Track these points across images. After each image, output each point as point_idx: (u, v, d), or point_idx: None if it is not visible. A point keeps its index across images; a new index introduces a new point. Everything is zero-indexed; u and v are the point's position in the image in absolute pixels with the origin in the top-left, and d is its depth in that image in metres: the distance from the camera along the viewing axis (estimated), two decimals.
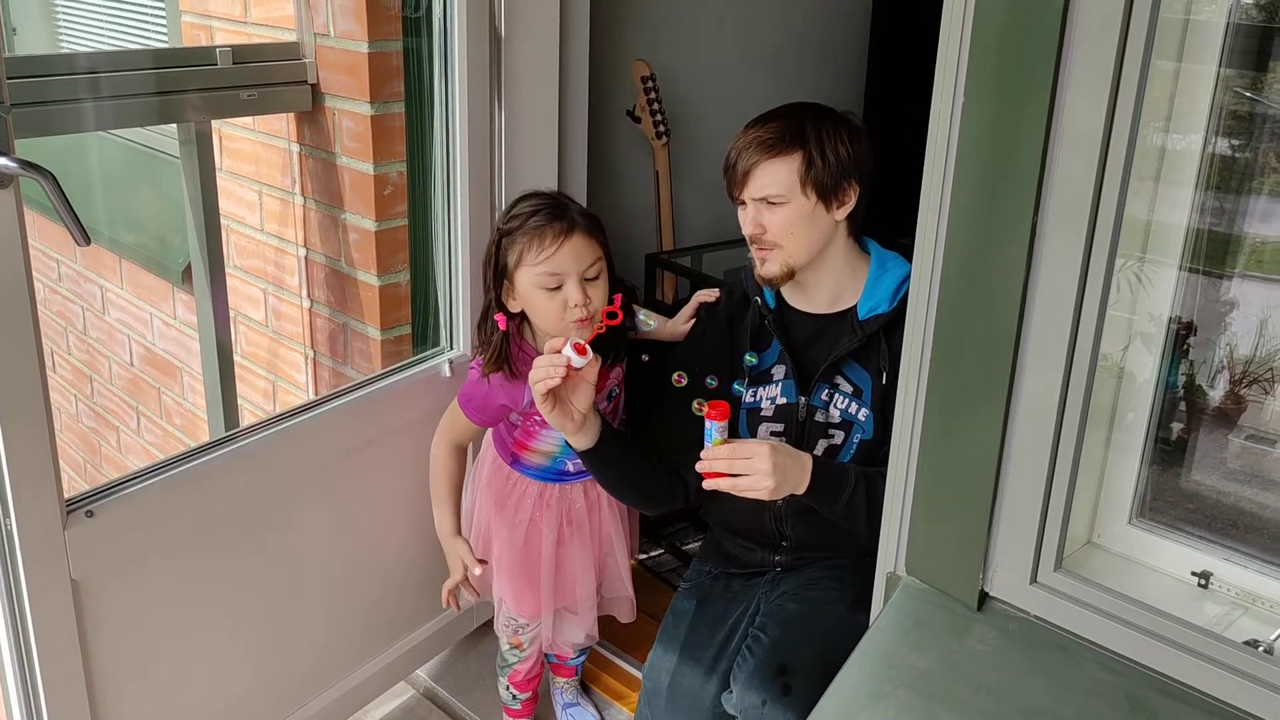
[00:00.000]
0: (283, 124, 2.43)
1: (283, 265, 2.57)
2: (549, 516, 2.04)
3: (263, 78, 2.29)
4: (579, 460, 1.95)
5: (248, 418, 2.72)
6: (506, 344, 1.88)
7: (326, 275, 2.44)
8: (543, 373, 1.68)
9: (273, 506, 1.94)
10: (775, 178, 1.73)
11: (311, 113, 2.34)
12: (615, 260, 1.92)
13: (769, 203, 1.74)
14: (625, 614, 2.20)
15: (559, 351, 1.67)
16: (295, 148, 2.42)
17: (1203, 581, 1.33)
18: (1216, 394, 1.39)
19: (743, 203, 1.78)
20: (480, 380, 1.93)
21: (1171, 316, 1.36)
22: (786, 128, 1.73)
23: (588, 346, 1.67)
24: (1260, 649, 1.20)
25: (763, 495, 1.66)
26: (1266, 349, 1.33)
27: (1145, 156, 1.22)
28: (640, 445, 1.88)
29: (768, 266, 1.79)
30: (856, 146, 1.74)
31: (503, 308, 1.87)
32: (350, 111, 2.24)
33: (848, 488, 1.72)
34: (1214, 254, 1.34)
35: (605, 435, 1.80)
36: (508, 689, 2.27)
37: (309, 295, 2.52)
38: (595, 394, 1.77)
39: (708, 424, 1.65)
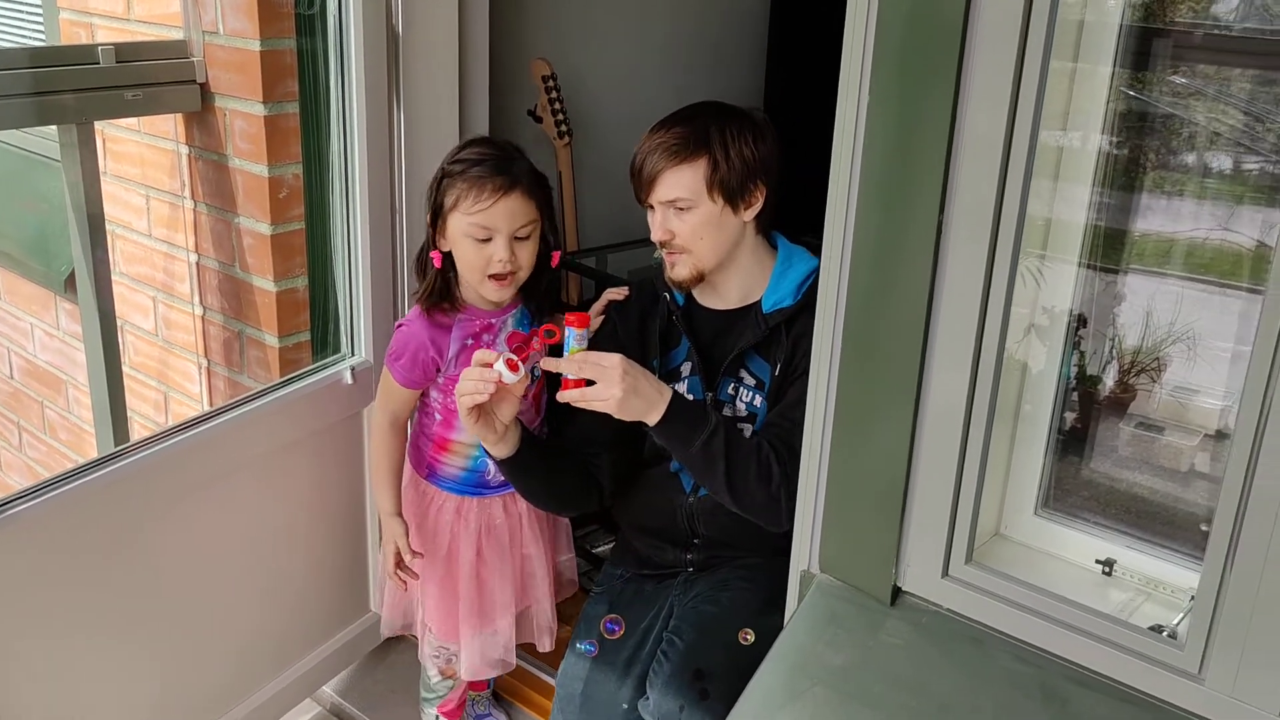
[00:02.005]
0: (170, 125, 2.36)
1: (173, 272, 2.49)
2: (467, 532, 1.99)
3: (148, 77, 2.21)
4: None
5: (139, 431, 2.63)
6: (442, 280, 1.87)
7: (220, 281, 2.37)
8: (471, 386, 1.64)
9: (167, 523, 1.86)
10: (681, 183, 1.72)
11: (201, 113, 2.27)
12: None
13: (676, 208, 1.74)
14: (545, 642, 2.12)
15: (490, 365, 1.64)
16: (184, 149, 2.35)
17: (1106, 569, 1.36)
18: (1109, 384, 1.43)
19: (651, 207, 1.78)
20: (404, 331, 1.90)
21: (1068, 310, 1.39)
22: (691, 132, 1.73)
23: (520, 364, 1.64)
24: (1165, 633, 1.23)
25: (610, 406, 1.62)
26: (1152, 339, 1.37)
27: (1043, 155, 1.24)
28: (554, 447, 1.86)
29: (677, 270, 1.79)
30: (762, 146, 1.75)
31: (435, 245, 1.87)
32: (242, 112, 2.18)
33: (706, 428, 1.68)
34: (1106, 249, 1.37)
35: (524, 443, 1.77)
36: (436, 719, 2.22)
37: (201, 302, 2.45)
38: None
39: (566, 330, 1.64)
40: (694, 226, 1.74)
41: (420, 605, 2.05)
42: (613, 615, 1.84)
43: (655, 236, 1.78)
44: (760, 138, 1.75)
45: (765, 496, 1.66)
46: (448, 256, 1.86)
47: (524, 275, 1.85)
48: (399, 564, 1.95)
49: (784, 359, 1.77)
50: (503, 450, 1.75)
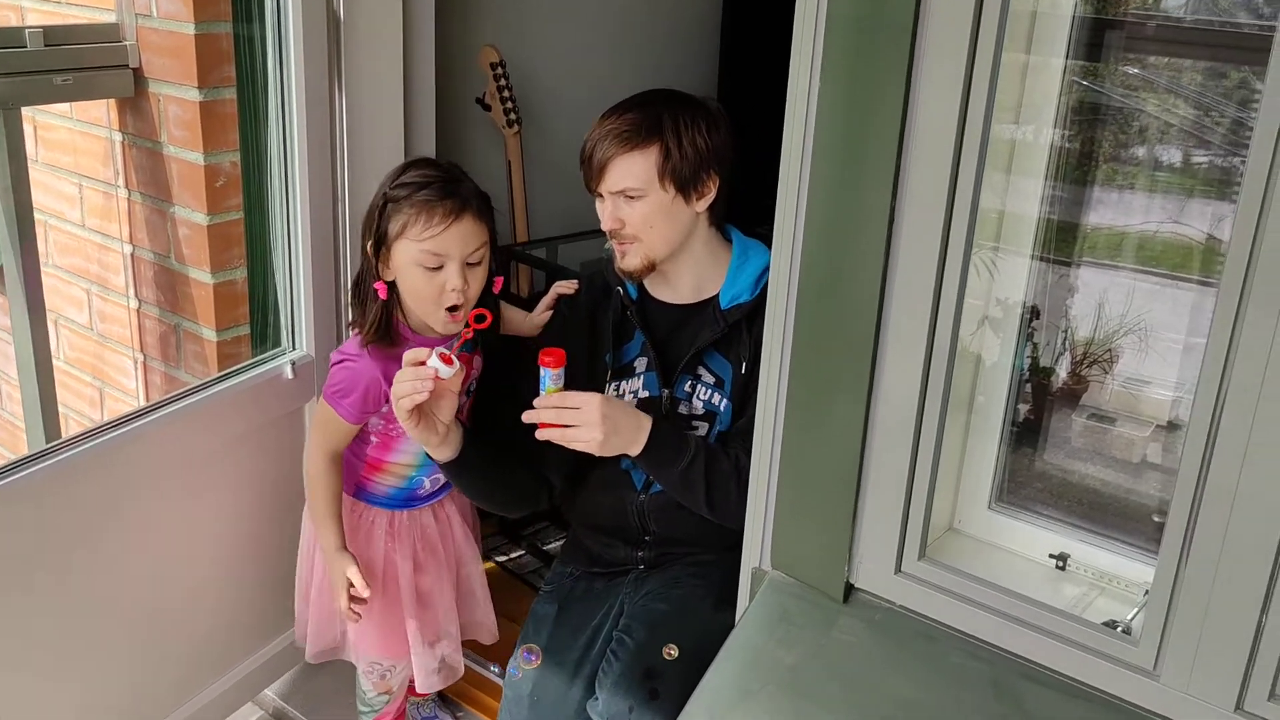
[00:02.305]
0: (103, 111, 2.29)
1: (107, 263, 2.42)
2: (402, 546, 1.94)
3: (79, 61, 2.14)
4: (437, 478, 1.86)
5: (73, 428, 2.56)
6: (387, 313, 1.77)
7: (156, 273, 2.31)
8: (408, 386, 1.59)
9: (102, 522, 1.81)
10: (632, 171, 1.69)
11: (135, 99, 2.20)
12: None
13: (627, 196, 1.71)
14: (486, 637, 2.12)
15: (423, 363, 1.58)
16: (118, 136, 2.28)
17: (1060, 564, 1.35)
18: (1062, 376, 1.42)
19: (601, 196, 1.74)
20: (351, 368, 1.80)
21: (1021, 302, 1.38)
22: (643, 119, 1.70)
23: (454, 355, 1.59)
24: (1119, 628, 1.22)
25: (592, 448, 1.64)
26: (1104, 331, 1.36)
27: (996, 147, 1.22)
28: (501, 446, 1.81)
29: (628, 260, 1.76)
30: (715, 136, 1.72)
31: (378, 275, 1.76)
32: (177, 98, 2.12)
33: (686, 456, 1.70)
34: (1059, 241, 1.37)
35: (468, 443, 1.73)
36: None
37: (137, 295, 2.38)
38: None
39: (542, 371, 1.62)
40: (644, 215, 1.71)
41: (348, 628, 1.99)
42: (530, 645, 1.81)
43: (605, 225, 1.75)
44: (714, 127, 1.73)
45: (745, 511, 1.65)
46: (392, 286, 1.77)
47: (472, 305, 1.75)
48: (352, 599, 1.84)
49: (749, 358, 1.74)
50: (446, 453, 1.71)
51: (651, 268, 1.76)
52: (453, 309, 1.73)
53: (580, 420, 1.62)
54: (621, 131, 1.69)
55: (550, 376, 1.62)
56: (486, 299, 1.83)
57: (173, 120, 2.14)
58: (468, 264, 1.72)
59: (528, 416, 1.64)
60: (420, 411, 1.63)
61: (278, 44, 1.96)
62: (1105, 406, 1.39)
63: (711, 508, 1.71)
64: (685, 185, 1.71)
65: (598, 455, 1.66)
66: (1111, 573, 1.33)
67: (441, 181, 1.72)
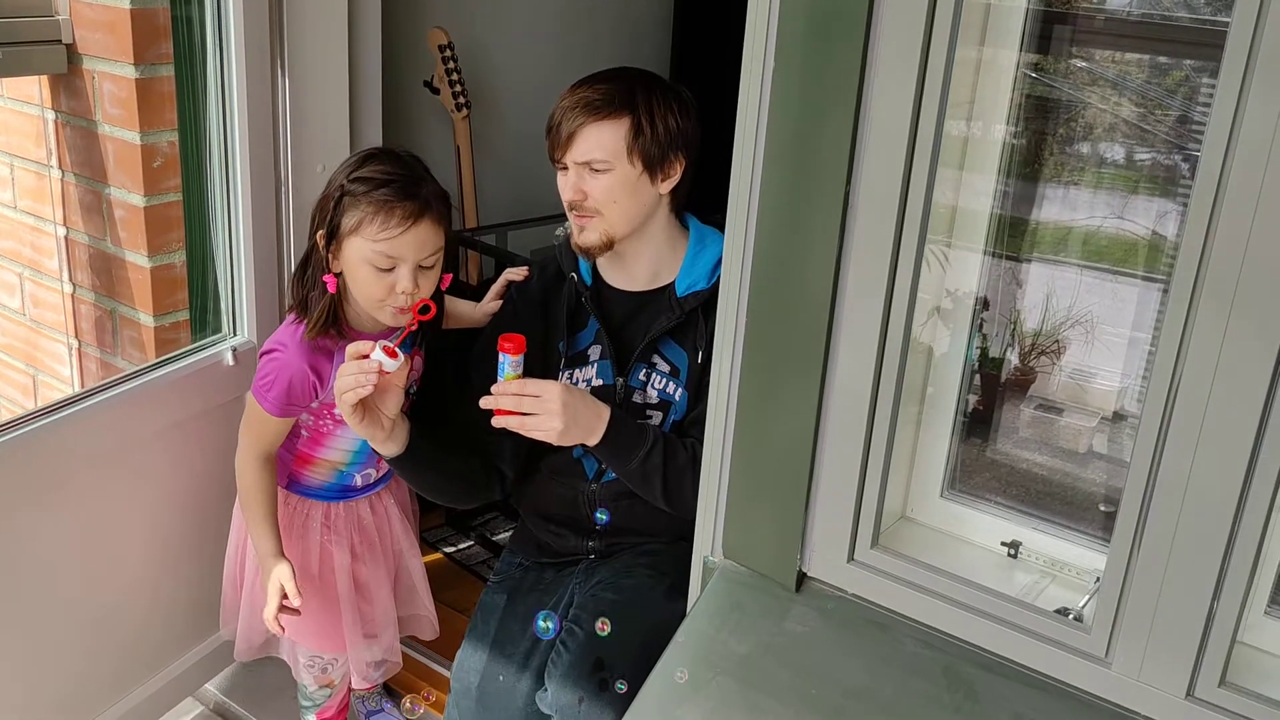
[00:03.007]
0: (35, 88, 2.22)
1: (40, 246, 2.36)
2: (339, 538, 1.90)
3: (8, 36, 2.06)
4: (369, 473, 1.84)
5: (4, 416, 2.48)
6: (335, 307, 1.71)
7: (91, 257, 2.25)
8: (352, 381, 1.55)
9: (31, 511, 1.75)
10: (600, 142, 1.66)
11: (68, 75, 2.13)
12: None
13: (592, 168, 1.68)
14: (427, 632, 2.08)
15: (366, 356, 1.54)
16: (50, 115, 2.21)
17: (1012, 551, 1.35)
18: (1011, 367, 1.43)
19: (564, 166, 1.71)
20: (278, 359, 1.74)
21: (972, 294, 1.38)
22: (616, 91, 1.67)
23: (397, 349, 1.55)
24: (1071, 616, 1.23)
25: (550, 437, 1.61)
26: (1051, 323, 1.37)
27: (949, 141, 1.22)
28: (450, 438, 1.78)
29: (586, 235, 1.72)
30: (685, 120, 1.71)
31: (328, 267, 1.70)
32: (112, 74, 2.05)
33: (644, 446, 1.68)
34: (1009, 235, 1.37)
35: (414, 437, 1.69)
36: None
37: (71, 279, 2.32)
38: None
39: (501, 357, 1.59)
40: (608, 188, 1.68)
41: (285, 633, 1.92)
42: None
43: (566, 197, 1.71)
44: (685, 111, 1.71)
45: None
46: (340, 277, 1.71)
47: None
48: (283, 608, 1.76)
49: (705, 347, 1.72)
50: (392, 448, 1.67)
51: (609, 245, 1.73)
52: (400, 310, 1.68)
53: (540, 409, 1.59)
54: (593, 100, 1.66)
55: (509, 363, 1.59)
56: (436, 322, 1.81)
57: (108, 98, 2.08)
58: (421, 267, 1.67)
59: (485, 402, 1.61)
60: (365, 406, 1.59)
61: (217, 19, 1.91)
62: (1053, 397, 1.40)
63: (668, 499, 1.69)
64: (652, 164, 1.69)
65: (555, 445, 1.63)
66: (1063, 560, 1.33)
67: (403, 181, 1.65)
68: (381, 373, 1.54)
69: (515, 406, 1.60)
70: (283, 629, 1.78)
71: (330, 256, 1.69)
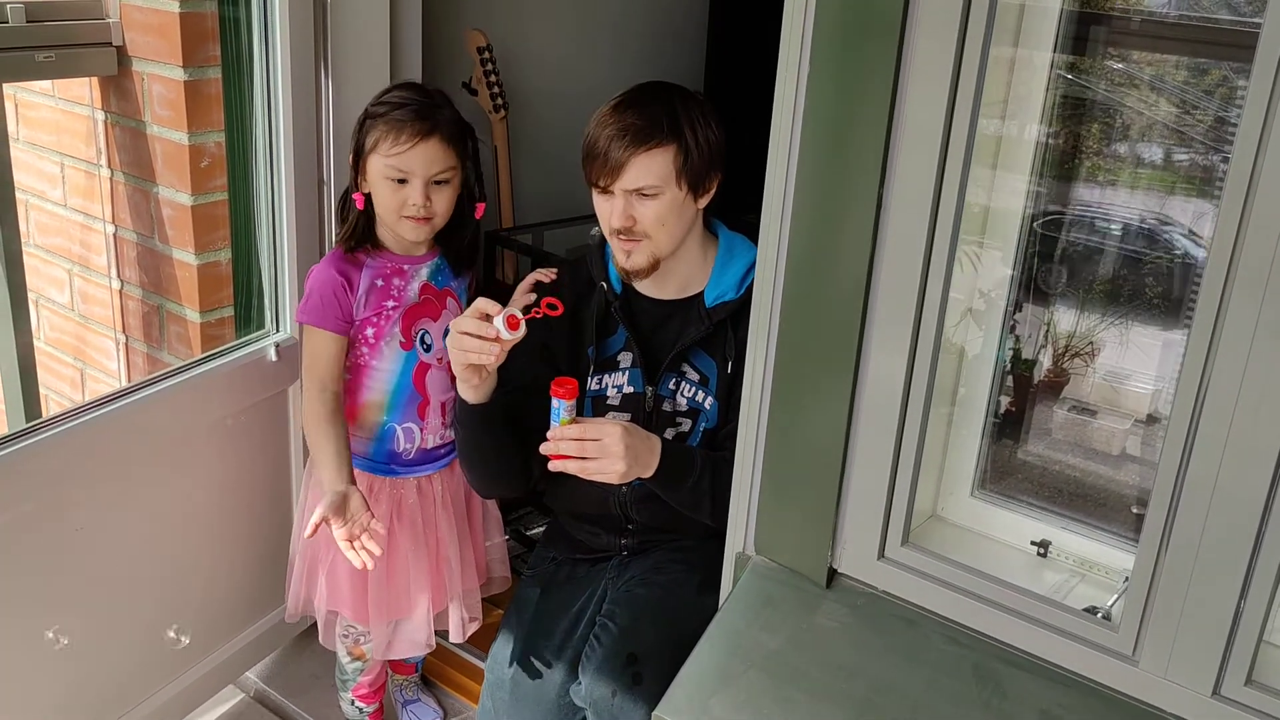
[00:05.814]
0: (86, 89, 2.26)
1: (89, 244, 2.40)
2: (377, 512, 1.91)
3: (61, 38, 2.11)
4: (410, 429, 1.92)
5: (54, 409, 2.53)
6: (364, 221, 1.88)
7: (139, 254, 2.29)
8: (475, 345, 1.57)
9: (82, 502, 1.79)
10: (651, 170, 1.65)
11: (118, 77, 2.18)
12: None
13: (642, 194, 1.67)
14: (454, 632, 2.04)
15: (489, 316, 1.57)
16: (101, 115, 2.26)
17: (1042, 550, 1.36)
18: (1044, 368, 1.43)
19: (610, 192, 1.69)
20: (312, 273, 1.89)
21: (1005, 295, 1.39)
22: (661, 116, 1.65)
23: (522, 322, 1.57)
24: (1099, 615, 1.23)
25: (612, 479, 1.61)
26: (1085, 324, 1.37)
27: (982, 141, 1.23)
28: (514, 419, 1.76)
29: (634, 259, 1.72)
30: (720, 133, 1.70)
31: (358, 187, 1.87)
32: (161, 76, 2.10)
33: (694, 473, 1.69)
34: (1045, 233, 1.37)
35: (496, 396, 1.71)
36: (353, 704, 2.17)
37: (119, 276, 2.36)
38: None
39: (555, 402, 1.58)
40: (658, 214, 1.67)
41: (321, 587, 1.98)
42: None
43: (615, 224, 1.69)
44: (719, 125, 1.71)
45: None
46: (369, 198, 1.86)
47: (440, 222, 1.85)
48: (356, 536, 1.75)
49: (735, 357, 1.73)
50: (477, 395, 1.69)
51: (656, 266, 1.73)
52: (413, 217, 1.81)
53: (602, 453, 1.58)
54: (640, 128, 1.64)
55: (564, 408, 1.58)
56: (470, 250, 1.98)
57: (156, 99, 2.12)
58: (434, 182, 1.81)
59: (545, 449, 1.59)
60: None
61: (263, 23, 1.95)
62: (1086, 399, 1.40)
63: (715, 518, 1.65)
64: (697, 184, 1.69)
65: (616, 484, 1.65)
66: (1092, 560, 1.34)
67: (418, 104, 1.81)
68: (497, 339, 1.58)
69: (578, 451, 1.59)
70: (364, 564, 1.76)
71: (360, 178, 1.85)
